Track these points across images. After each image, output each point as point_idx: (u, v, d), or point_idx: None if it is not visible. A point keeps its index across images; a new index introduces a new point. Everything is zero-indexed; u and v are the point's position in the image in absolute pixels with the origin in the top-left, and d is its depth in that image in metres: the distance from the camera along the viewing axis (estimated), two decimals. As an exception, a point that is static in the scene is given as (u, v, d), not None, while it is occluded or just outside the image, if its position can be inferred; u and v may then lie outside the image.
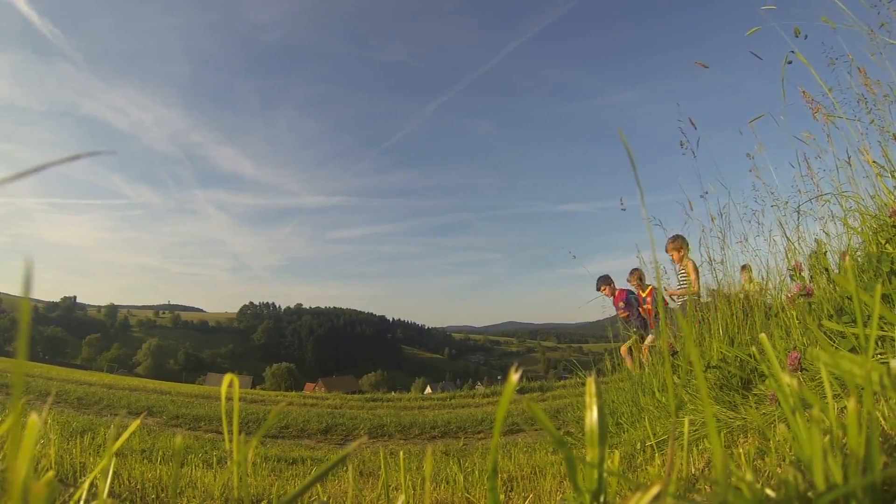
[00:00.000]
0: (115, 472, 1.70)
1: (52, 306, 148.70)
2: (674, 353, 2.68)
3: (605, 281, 6.56)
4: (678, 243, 5.35)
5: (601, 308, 5.83)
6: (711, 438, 0.40)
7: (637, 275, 6.27)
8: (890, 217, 1.70)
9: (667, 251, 5.44)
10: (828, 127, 2.29)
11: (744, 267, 7.11)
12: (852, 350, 1.35)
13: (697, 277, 5.07)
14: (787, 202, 2.66)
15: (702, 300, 4.98)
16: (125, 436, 0.50)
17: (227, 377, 0.49)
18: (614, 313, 5.93)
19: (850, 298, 1.60)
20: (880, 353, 1.25)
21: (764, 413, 1.52)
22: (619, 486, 0.84)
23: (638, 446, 1.97)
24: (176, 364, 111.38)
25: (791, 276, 2.03)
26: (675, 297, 5.30)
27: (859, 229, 1.98)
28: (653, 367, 2.99)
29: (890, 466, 0.39)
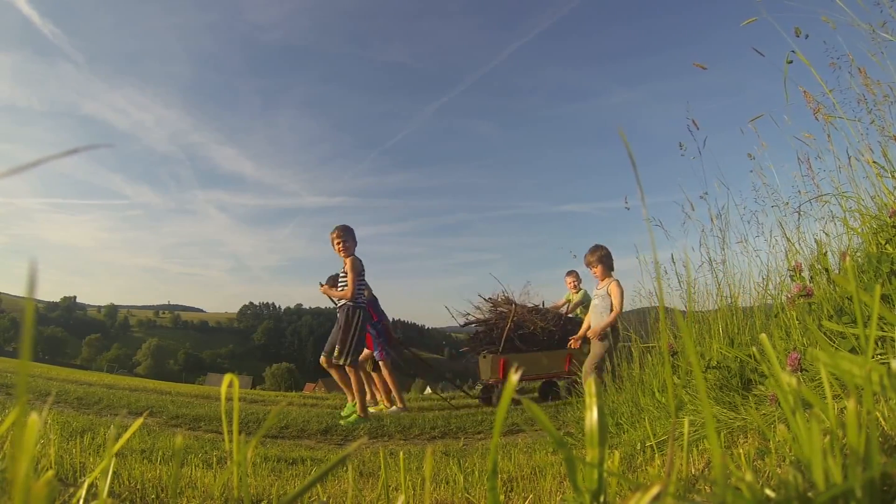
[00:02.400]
0: (114, 472, 1.70)
1: (52, 306, 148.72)
2: (674, 354, 2.68)
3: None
4: (340, 234, 4.58)
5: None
6: (710, 439, 0.40)
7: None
8: (890, 217, 1.70)
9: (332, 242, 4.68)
10: (828, 127, 2.29)
11: (569, 273, 6.67)
12: (852, 350, 1.35)
13: (355, 278, 4.50)
14: (787, 202, 2.67)
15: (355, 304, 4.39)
16: (126, 435, 0.50)
17: (227, 377, 0.49)
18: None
19: (850, 299, 1.60)
20: (880, 354, 1.25)
21: (764, 413, 1.52)
22: (619, 486, 0.84)
23: (638, 447, 1.97)
24: (176, 364, 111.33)
25: (791, 277, 2.03)
26: (335, 300, 4.69)
27: (859, 230, 1.98)
28: (653, 367, 2.99)
29: (888, 465, 0.39)
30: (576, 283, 6.46)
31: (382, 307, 5.90)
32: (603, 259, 4.24)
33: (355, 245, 4.66)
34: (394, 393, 5.59)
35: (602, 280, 4.28)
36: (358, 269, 4.54)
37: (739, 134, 2.86)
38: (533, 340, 5.99)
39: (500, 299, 6.26)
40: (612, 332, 4.12)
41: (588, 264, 4.32)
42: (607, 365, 4.04)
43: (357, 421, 4.24)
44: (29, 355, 0.28)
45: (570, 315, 6.29)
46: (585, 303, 6.15)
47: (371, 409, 5.15)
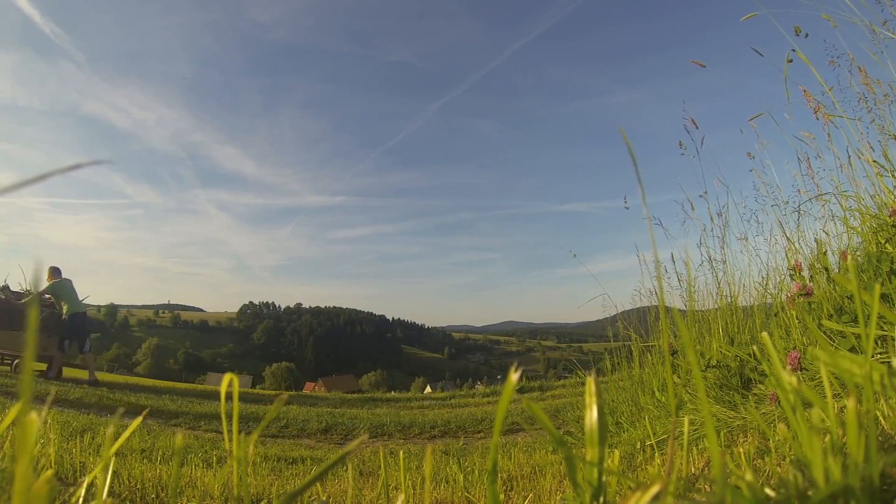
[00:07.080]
0: (114, 472, 1.70)
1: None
2: (674, 353, 2.68)
3: None
4: None
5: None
6: (709, 438, 0.40)
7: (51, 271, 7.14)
8: (890, 217, 1.70)
9: None
10: (828, 126, 2.29)
11: (49, 268, 7.58)
12: (852, 349, 1.35)
13: None
14: (787, 201, 2.67)
15: None
16: (126, 435, 0.50)
17: (227, 377, 0.49)
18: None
19: (850, 298, 1.60)
20: (880, 353, 1.25)
21: (764, 413, 1.52)
22: (619, 485, 0.84)
23: (638, 446, 1.97)
24: (176, 364, 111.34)
25: (791, 276, 2.03)
26: None
27: (859, 229, 1.98)
28: (653, 366, 2.99)
29: (888, 464, 0.39)
30: (49, 276, 7.45)
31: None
32: None
33: None
34: None
35: None
36: None
37: (739, 133, 2.85)
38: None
39: None
40: None
41: None
42: None
43: None
44: (32, 355, 0.28)
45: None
46: (49, 292, 7.27)
47: None
